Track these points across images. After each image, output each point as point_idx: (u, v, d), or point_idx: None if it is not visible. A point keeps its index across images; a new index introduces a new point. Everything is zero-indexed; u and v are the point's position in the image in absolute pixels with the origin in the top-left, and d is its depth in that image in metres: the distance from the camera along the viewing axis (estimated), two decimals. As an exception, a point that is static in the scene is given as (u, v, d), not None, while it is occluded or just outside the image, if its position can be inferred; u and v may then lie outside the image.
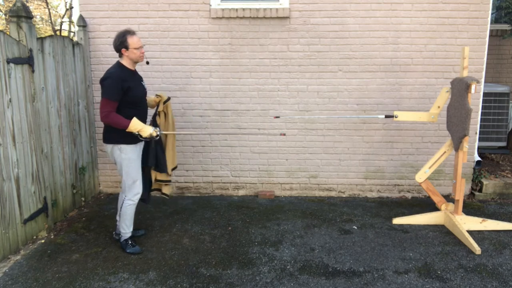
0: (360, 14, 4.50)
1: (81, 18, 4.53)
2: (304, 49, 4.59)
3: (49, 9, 13.18)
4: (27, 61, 3.49)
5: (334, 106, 4.69)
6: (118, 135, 3.25)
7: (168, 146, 3.58)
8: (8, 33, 3.38)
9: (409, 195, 4.86)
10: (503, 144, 5.54)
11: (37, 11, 13.92)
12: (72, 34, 12.17)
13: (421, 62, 4.58)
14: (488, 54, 5.15)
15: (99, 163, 4.91)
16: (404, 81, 4.62)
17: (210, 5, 4.53)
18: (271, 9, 4.49)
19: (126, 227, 3.45)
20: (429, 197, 4.57)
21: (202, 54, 4.62)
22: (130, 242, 3.47)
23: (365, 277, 3.07)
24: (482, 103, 4.96)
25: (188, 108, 4.72)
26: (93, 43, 4.65)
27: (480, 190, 4.79)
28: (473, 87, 3.59)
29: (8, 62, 3.24)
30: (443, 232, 3.84)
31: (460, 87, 3.70)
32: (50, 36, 3.92)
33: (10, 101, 3.29)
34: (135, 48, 3.22)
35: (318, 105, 4.69)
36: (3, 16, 13.21)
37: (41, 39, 3.73)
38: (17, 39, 3.42)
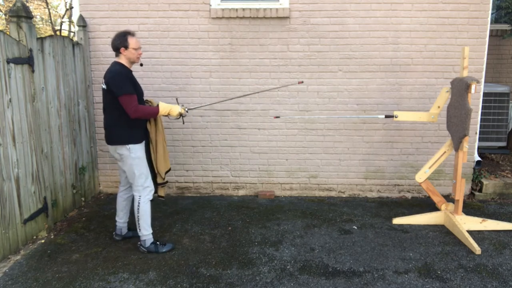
0: (360, 14, 4.50)
1: (81, 18, 4.53)
2: (304, 49, 4.59)
3: (49, 9, 13.17)
4: (27, 61, 3.49)
5: (334, 106, 4.69)
6: (125, 135, 3.25)
7: (159, 150, 3.51)
8: (8, 33, 3.39)
9: (409, 195, 4.86)
10: (503, 144, 5.54)
11: (37, 11, 13.91)
12: (72, 34, 12.15)
13: (421, 62, 4.58)
14: (488, 54, 5.14)
15: (99, 163, 4.91)
16: (404, 81, 4.62)
17: (210, 5, 4.53)
18: (271, 9, 4.49)
19: (147, 227, 3.41)
20: (429, 197, 4.57)
21: (202, 54, 4.62)
22: (158, 242, 3.47)
23: (365, 277, 3.07)
24: (482, 103, 4.96)
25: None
26: (93, 43, 4.65)
27: (480, 190, 4.79)
28: (473, 87, 3.59)
29: (8, 62, 3.24)
30: (443, 232, 3.84)
31: (460, 87, 3.70)
32: (50, 36, 3.92)
33: (10, 101, 3.29)
34: (134, 49, 3.25)
35: (318, 105, 4.69)
36: (3, 16, 13.21)
37: (41, 39, 3.73)
38: (17, 39, 3.42)
